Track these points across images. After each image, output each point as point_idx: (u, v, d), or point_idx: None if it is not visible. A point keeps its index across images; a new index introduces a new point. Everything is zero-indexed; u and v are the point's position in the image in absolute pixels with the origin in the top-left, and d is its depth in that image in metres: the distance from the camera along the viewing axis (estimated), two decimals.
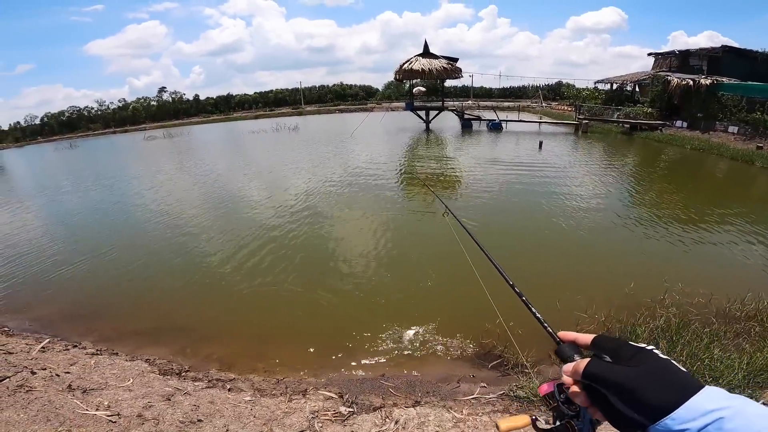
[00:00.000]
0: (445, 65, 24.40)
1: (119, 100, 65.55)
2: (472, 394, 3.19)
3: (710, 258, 6.29)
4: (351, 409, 3.03)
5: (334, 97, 67.55)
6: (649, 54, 29.24)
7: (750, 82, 19.87)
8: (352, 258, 6.51)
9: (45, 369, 3.49)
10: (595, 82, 32.79)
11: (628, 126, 22.92)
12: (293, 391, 3.39)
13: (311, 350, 4.18)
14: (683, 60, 25.90)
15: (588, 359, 0.59)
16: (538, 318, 0.85)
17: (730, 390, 2.21)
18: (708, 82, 20.81)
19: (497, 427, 0.80)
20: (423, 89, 34.43)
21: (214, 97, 69.92)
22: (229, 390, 3.39)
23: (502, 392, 3.16)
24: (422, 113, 27.01)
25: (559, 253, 6.46)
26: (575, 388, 0.60)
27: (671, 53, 27.25)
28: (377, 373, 3.74)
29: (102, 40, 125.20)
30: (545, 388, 0.68)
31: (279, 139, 26.03)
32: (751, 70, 22.12)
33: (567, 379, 0.62)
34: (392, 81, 44.68)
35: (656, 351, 0.56)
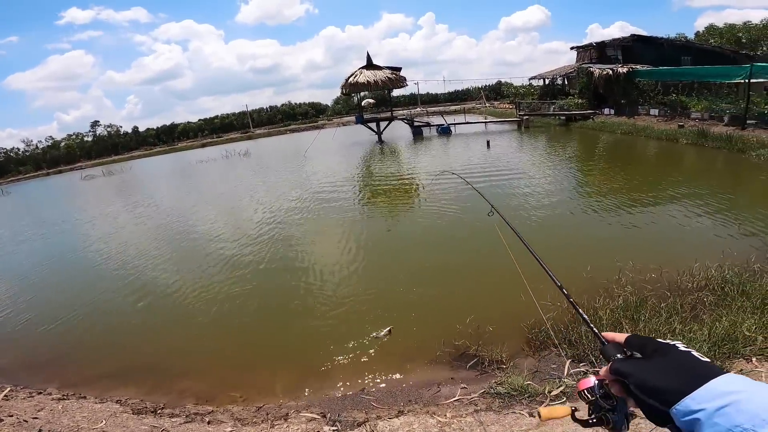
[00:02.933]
0: (389, 75, 24.89)
1: (46, 138, 60.89)
2: (454, 397, 3.20)
3: (655, 233, 6.77)
4: (335, 428, 2.98)
5: (283, 118, 66.73)
6: (572, 48, 31.60)
7: (661, 68, 22.00)
8: (318, 275, 6.43)
9: (11, 416, 3.27)
10: (530, 79, 34.87)
11: (564, 118, 24.49)
12: (274, 417, 3.28)
13: (287, 373, 4.06)
14: (601, 51, 28.19)
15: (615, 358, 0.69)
16: (585, 320, 0.94)
17: None
18: (624, 70, 22.76)
19: (539, 415, 0.85)
20: (372, 101, 34.83)
21: (156, 128, 66.86)
22: (208, 423, 3.25)
23: (483, 391, 3.19)
24: (373, 125, 27.31)
25: (515, 245, 6.68)
26: (613, 382, 0.68)
27: (590, 45, 29.58)
28: (357, 388, 3.68)
29: (21, 73, 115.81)
30: (585, 383, 0.73)
31: (230, 167, 25.21)
32: (661, 56, 24.52)
33: (606, 375, 0.69)
34: (340, 96, 44.94)
35: (678, 344, 0.63)
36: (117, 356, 4.90)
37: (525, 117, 25.37)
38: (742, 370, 2.94)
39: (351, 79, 24.88)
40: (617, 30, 77.88)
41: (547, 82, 32.23)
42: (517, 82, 43.18)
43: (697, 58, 24.61)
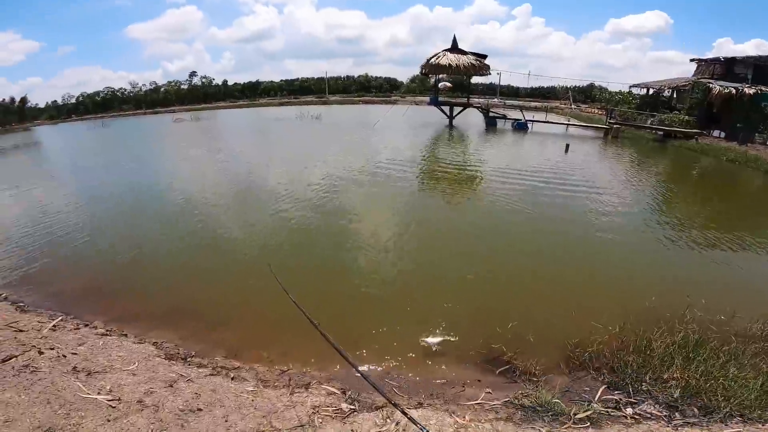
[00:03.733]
0: (473, 61, 23.89)
1: (150, 83, 67.19)
2: (476, 400, 3.11)
3: (736, 276, 5.98)
4: (352, 407, 3.00)
5: (358, 88, 67.31)
6: (692, 60, 27.79)
7: None
8: (368, 253, 6.46)
9: (53, 349, 3.55)
10: (630, 86, 31.53)
11: (661, 133, 21.92)
12: (296, 384, 3.38)
13: (318, 340, 4.11)
14: (728, 67, 24.54)
15: None
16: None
17: (742, 410, 1.97)
18: (752, 91, 19.66)
19: None
20: (449, 84, 33.88)
21: (242, 83, 70.81)
22: (232, 379, 3.41)
23: (506, 399, 3.07)
24: (446, 109, 26.58)
25: (579, 261, 6.26)
26: None
27: (716, 60, 25.85)
28: (383, 371, 3.69)
29: (142, 23, 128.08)
30: None
31: (303, 128, 26.12)
32: None
33: None
34: (418, 75, 44.18)
35: None
36: (167, 296, 5.21)
37: (615, 125, 23.10)
38: None
39: (433, 59, 24.27)
40: (752, 47, 67.25)
41: (650, 92, 28.97)
42: (613, 88, 39.36)
43: None
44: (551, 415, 2.84)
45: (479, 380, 3.51)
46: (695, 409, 2.91)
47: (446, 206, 9.08)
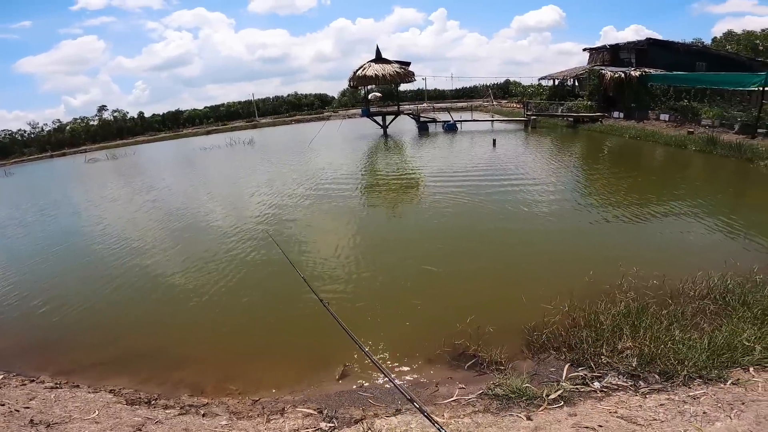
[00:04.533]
0: (398, 70, 24.70)
1: (54, 122, 60.86)
2: (452, 397, 3.16)
3: (659, 240, 6.70)
4: (332, 424, 2.95)
5: (289, 108, 66.48)
6: (584, 49, 31.21)
7: (675, 72, 21.68)
8: (319, 265, 6.40)
9: (3, 405, 3.24)
10: (539, 79, 34.50)
11: (572, 119, 24.24)
12: (270, 411, 3.26)
13: (284, 366, 4.03)
14: (614, 54, 27.81)
15: None
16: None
17: (699, 372, 2.17)
18: (637, 74, 22.45)
19: None
20: (379, 94, 34.65)
21: (161, 114, 66.68)
22: (203, 415, 3.23)
23: (481, 392, 3.15)
24: (379, 119, 27.16)
25: (521, 248, 6.66)
26: None
27: (603, 48, 29.18)
28: (355, 384, 3.65)
29: (33, 57, 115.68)
30: None
31: (234, 155, 25.18)
32: (675, 61, 24.14)
33: None
34: (347, 88, 44.73)
35: None
36: (112, 343, 4.87)
37: (532, 117, 25.14)
38: (739, 379, 2.92)
39: (359, 72, 24.71)
40: (632, 33, 76.83)
41: (556, 82, 31.91)
42: (525, 82, 42.79)
43: (712, 64, 24.25)
44: (525, 399, 2.95)
45: (450, 377, 3.57)
46: (656, 376, 3.09)
47: (392, 214, 9.26)
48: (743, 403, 2.69)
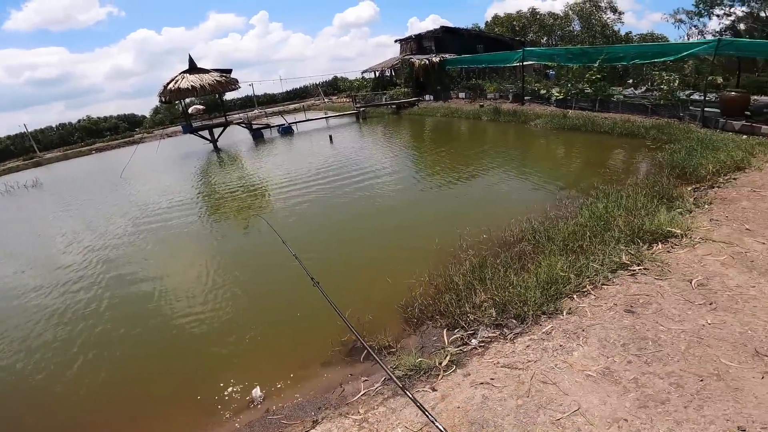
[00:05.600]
0: (218, 78, 22.62)
1: None
2: (360, 392, 3.13)
3: (478, 198, 8.09)
4: None
5: (83, 135, 54.12)
6: (396, 41, 34.57)
7: (463, 56, 25.97)
8: (169, 300, 5.52)
9: None
10: (362, 72, 36.76)
11: (394, 106, 26.69)
12: None
13: (170, 417, 3.47)
14: (419, 43, 31.63)
15: None
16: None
17: (540, 309, 2.91)
18: (437, 59, 26.06)
19: None
20: (201, 107, 31.45)
21: None
22: None
23: (383, 378, 3.19)
24: (205, 133, 24.55)
25: (377, 234, 7.03)
26: None
27: (410, 38, 32.87)
28: (260, 412, 3.32)
29: None
30: None
31: (17, 203, 19.13)
32: (462, 45, 28.86)
33: None
34: (160, 105, 39.01)
35: None
36: None
37: (362, 109, 26.63)
38: (570, 308, 3.52)
39: (171, 85, 21.77)
40: (431, 23, 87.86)
41: (377, 74, 34.49)
42: (351, 77, 45.05)
43: (488, 45, 29.77)
44: (424, 372, 3.09)
45: (351, 374, 3.54)
46: (513, 320, 3.51)
47: (244, 229, 8.50)
48: (584, 330, 3.24)
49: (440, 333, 3.66)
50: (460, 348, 3.34)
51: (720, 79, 15.29)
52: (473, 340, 3.41)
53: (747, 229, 4.58)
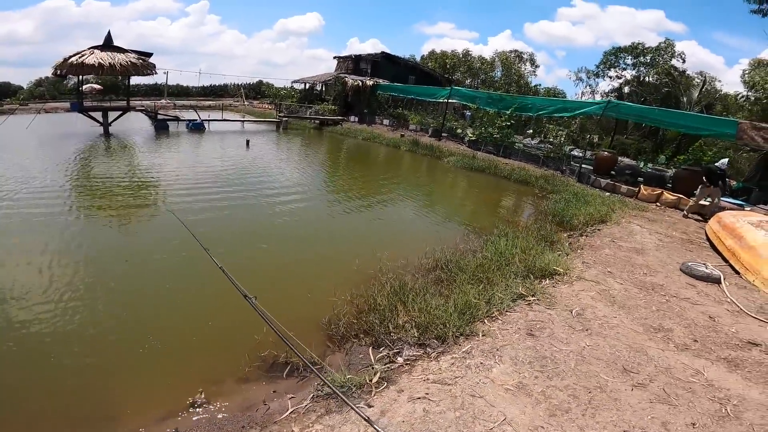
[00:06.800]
0: (133, 60, 20.03)
1: None
2: (288, 410, 3.02)
3: (394, 225, 8.37)
4: None
5: None
6: (335, 57, 34.74)
7: (395, 84, 27.05)
8: (43, 311, 4.42)
9: None
10: (292, 82, 35.97)
11: (318, 122, 26.54)
12: None
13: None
14: (356, 63, 32.27)
15: None
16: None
17: (458, 330, 3.41)
18: (371, 83, 26.82)
19: None
20: (97, 87, 27.46)
21: None
22: None
23: (312, 395, 3.12)
24: (98, 115, 21.33)
25: (293, 251, 6.73)
26: None
27: (349, 57, 33.38)
28: None
29: None
30: None
31: None
32: (397, 73, 30.20)
33: None
34: (47, 77, 33.08)
35: None
36: None
37: (284, 118, 25.88)
38: (483, 331, 3.94)
39: (75, 58, 18.75)
40: (370, 46, 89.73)
41: (307, 86, 34.04)
42: (278, 84, 43.62)
43: (419, 77, 31.66)
44: (355, 390, 3.11)
45: (275, 391, 3.39)
46: (435, 341, 3.76)
47: (127, 233, 7.26)
48: (498, 350, 3.68)
49: (366, 351, 3.74)
50: (387, 366, 3.45)
51: (596, 138, 18.36)
52: (399, 358, 3.54)
53: (609, 271, 5.72)
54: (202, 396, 3.31)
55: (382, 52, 32.10)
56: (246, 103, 41.05)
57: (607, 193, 11.39)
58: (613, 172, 12.87)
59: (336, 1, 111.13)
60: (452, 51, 40.95)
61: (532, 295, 4.72)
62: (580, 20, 74.84)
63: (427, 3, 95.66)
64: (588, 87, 32.59)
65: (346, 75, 29.40)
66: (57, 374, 3.62)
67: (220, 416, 3.12)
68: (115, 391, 3.44)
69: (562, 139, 16.16)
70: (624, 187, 11.62)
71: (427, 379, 3.27)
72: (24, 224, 7.22)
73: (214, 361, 3.83)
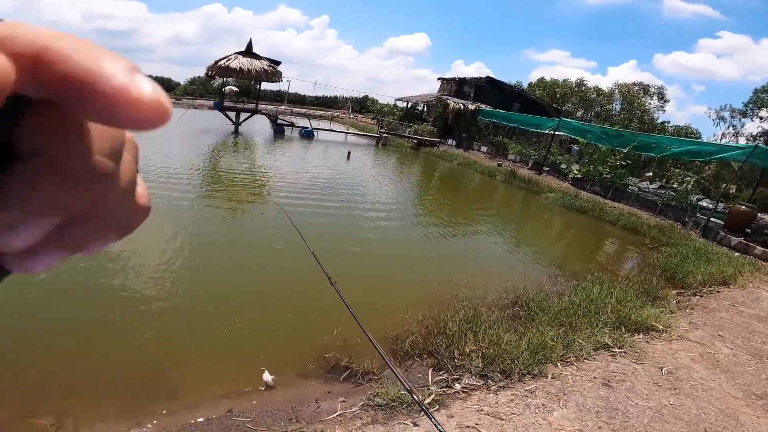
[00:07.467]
0: (266, 67, 23.19)
1: None
2: (336, 412, 3.08)
3: (478, 254, 8.05)
4: None
5: None
6: (438, 78, 35.52)
7: (498, 110, 26.23)
8: (151, 281, 5.21)
9: None
10: (396, 99, 37.62)
11: (415, 141, 27.14)
12: None
13: (123, 397, 3.23)
14: (459, 86, 32.40)
15: None
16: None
17: (527, 369, 3.03)
18: (473, 107, 26.65)
19: None
20: (235, 89, 32.01)
21: None
22: None
23: (362, 403, 3.16)
24: (232, 115, 24.90)
25: (377, 263, 7.00)
26: None
27: (453, 79, 33.71)
28: (223, 410, 3.17)
29: None
30: None
31: None
32: (500, 99, 29.38)
33: None
34: (200, 77, 39.84)
35: None
36: None
37: (384, 135, 27.08)
38: (554, 374, 3.72)
39: (223, 62, 22.36)
40: (475, 69, 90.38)
41: (409, 105, 35.26)
42: (383, 100, 46.06)
43: (525, 105, 30.32)
44: (405, 406, 3.08)
45: (329, 392, 3.47)
46: (498, 374, 3.62)
47: (233, 223, 8.36)
48: (565, 394, 3.45)
49: (425, 371, 3.70)
50: (444, 390, 3.39)
51: (734, 188, 15.18)
52: (457, 385, 3.46)
53: (720, 335, 5.04)
54: (262, 383, 3.54)
55: (487, 77, 31.51)
56: (351, 116, 43.96)
57: (737, 254, 9.57)
58: (748, 230, 10.73)
59: (444, 23, 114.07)
60: (564, 80, 38.43)
61: (619, 347, 4.30)
62: (726, 53, 65.03)
63: (539, 29, 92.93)
64: (731, 128, 27.76)
65: (449, 97, 29.60)
66: (140, 335, 4.14)
67: (272, 406, 3.27)
68: (187, 363, 3.82)
69: (689, 186, 13.88)
70: (760, 249, 9.65)
71: (481, 410, 3.14)
72: (158, 205, 8.73)
73: (284, 353, 4.08)
